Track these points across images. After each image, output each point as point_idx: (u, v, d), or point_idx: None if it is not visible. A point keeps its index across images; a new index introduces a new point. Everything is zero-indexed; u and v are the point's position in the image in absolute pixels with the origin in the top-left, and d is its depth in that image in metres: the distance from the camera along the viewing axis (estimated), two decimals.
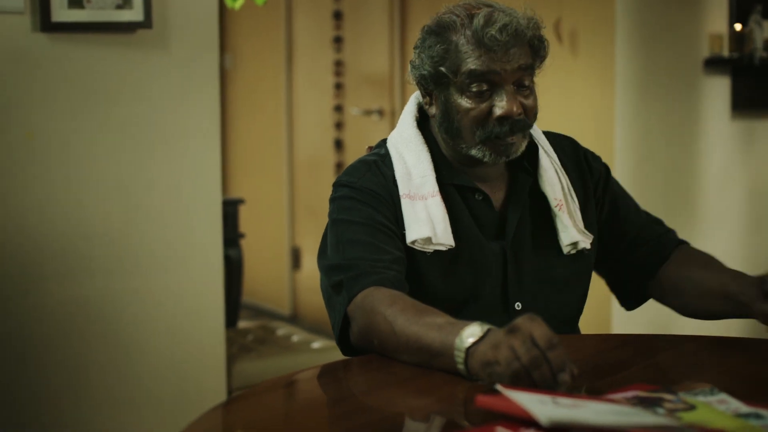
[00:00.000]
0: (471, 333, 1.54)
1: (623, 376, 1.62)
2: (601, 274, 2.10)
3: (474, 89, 1.84)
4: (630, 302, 2.09)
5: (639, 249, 2.03)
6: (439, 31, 1.87)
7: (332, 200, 1.93)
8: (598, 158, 2.08)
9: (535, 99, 1.89)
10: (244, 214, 5.02)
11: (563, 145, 2.05)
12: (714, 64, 4.30)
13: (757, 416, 1.38)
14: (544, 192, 1.95)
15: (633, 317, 3.80)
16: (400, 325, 1.66)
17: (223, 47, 6.23)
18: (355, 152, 5.42)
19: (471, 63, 1.83)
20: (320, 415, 1.53)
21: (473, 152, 1.88)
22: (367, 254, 1.81)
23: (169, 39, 3.19)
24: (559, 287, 1.96)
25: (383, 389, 1.61)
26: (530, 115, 1.88)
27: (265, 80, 6.19)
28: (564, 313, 1.98)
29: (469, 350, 1.53)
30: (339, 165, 5.64)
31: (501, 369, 1.46)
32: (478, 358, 1.51)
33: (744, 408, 1.41)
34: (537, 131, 2.00)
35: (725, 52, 4.30)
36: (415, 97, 2.01)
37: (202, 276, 3.30)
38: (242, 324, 4.75)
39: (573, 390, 1.48)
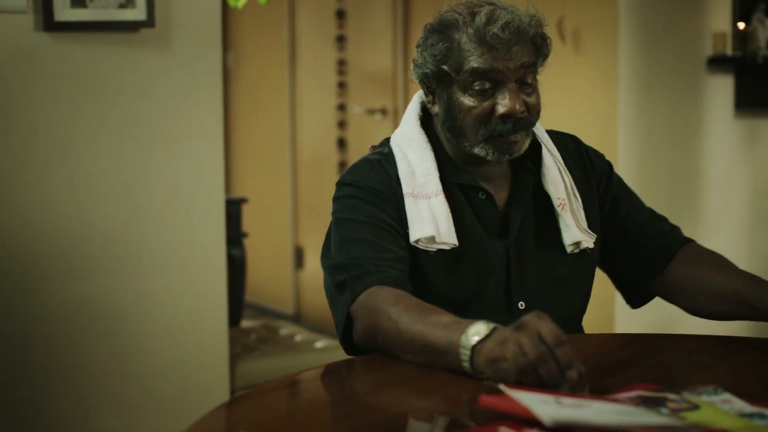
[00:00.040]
0: (476, 331, 1.54)
1: (626, 376, 1.62)
2: (605, 271, 2.09)
3: (477, 87, 1.84)
4: (635, 300, 2.08)
5: (643, 246, 2.02)
6: (442, 29, 1.87)
7: (336, 199, 1.92)
8: (601, 156, 2.08)
9: (538, 97, 1.89)
10: (247, 213, 5.03)
11: (566, 143, 2.05)
12: (717, 63, 4.29)
13: (762, 416, 1.37)
14: (547, 191, 1.95)
15: (636, 316, 3.80)
16: (405, 324, 1.66)
17: (225, 46, 6.23)
18: (358, 151, 5.42)
19: (473, 61, 1.83)
20: (324, 415, 1.53)
21: (476, 150, 1.88)
22: (371, 253, 1.81)
23: (171, 38, 3.19)
24: (562, 286, 1.95)
25: (387, 389, 1.61)
26: (533, 113, 1.88)
27: (268, 79, 6.19)
28: (567, 312, 1.98)
29: (475, 348, 1.53)
30: (342, 164, 5.63)
31: (507, 365, 1.46)
32: (485, 355, 1.51)
33: (748, 408, 1.41)
34: (540, 130, 2.00)
35: (728, 51, 4.29)
36: (418, 96, 2.01)
37: (205, 275, 3.30)
38: (245, 323, 4.75)
39: (577, 389, 1.47)
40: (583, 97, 4.20)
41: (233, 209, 4.25)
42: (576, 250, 1.95)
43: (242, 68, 6.42)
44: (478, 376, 1.54)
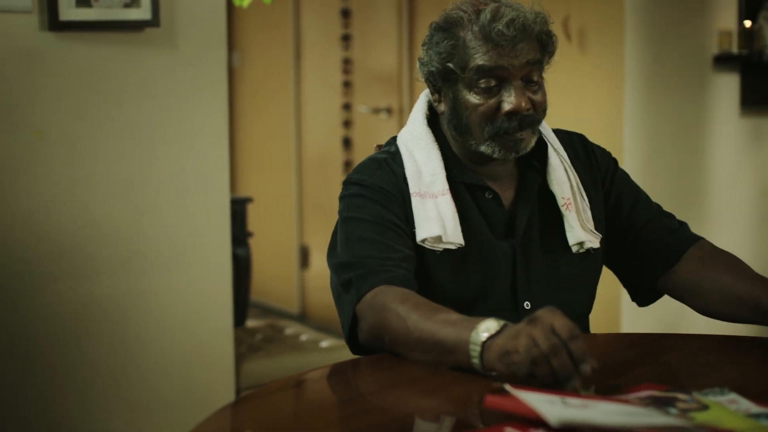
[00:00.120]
0: (487, 328, 1.54)
1: (633, 376, 1.61)
2: (611, 268, 2.07)
3: (482, 85, 1.84)
4: (641, 298, 2.06)
5: (648, 243, 2.00)
6: (447, 27, 1.86)
7: (342, 198, 1.92)
8: (607, 154, 2.07)
9: (544, 94, 1.88)
10: (253, 212, 5.03)
11: (573, 142, 2.04)
12: (723, 61, 4.29)
13: None
14: (552, 191, 1.95)
15: (642, 316, 3.80)
16: (413, 322, 1.66)
17: (231, 45, 6.23)
18: (364, 150, 5.42)
19: (479, 58, 1.82)
20: (330, 416, 1.53)
21: (482, 148, 1.88)
22: (377, 252, 1.81)
23: (176, 37, 3.19)
24: (568, 286, 1.95)
25: (393, 389, 1.61)
26: (539, 110, 1.87)
27: (274, 78, 6.19)
28: (573, 311, 1.96)
29: (485, 344, 1.53)
30: (347, 163, 5.63)
31: (519, 357, 1.46)
32: (496, 350, 1.51)
33: (755, 408, 1.40)
34: (546, 129, 1.99)
35: (734, 49, 4.28)
36: (425, 95, 2.00)
37: (211, 275, 3.30)
38: (250, 323, 4.75)
39: (584, 388, 1.47)
40: (589, 96, 4.19)
41: (238, 209, 4.25)
42: (581, 250, 1.94)
43: (247, 67, 6.42)
44: (487, 373, 1.54)
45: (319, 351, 3.87)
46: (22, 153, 3.03)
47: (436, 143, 1.93)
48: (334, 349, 3.88)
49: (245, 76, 6.44)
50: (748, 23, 4.28)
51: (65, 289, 3.10)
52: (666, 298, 2.04)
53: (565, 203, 1.94)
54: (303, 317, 6.04)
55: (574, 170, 1.97)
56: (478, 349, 1.54)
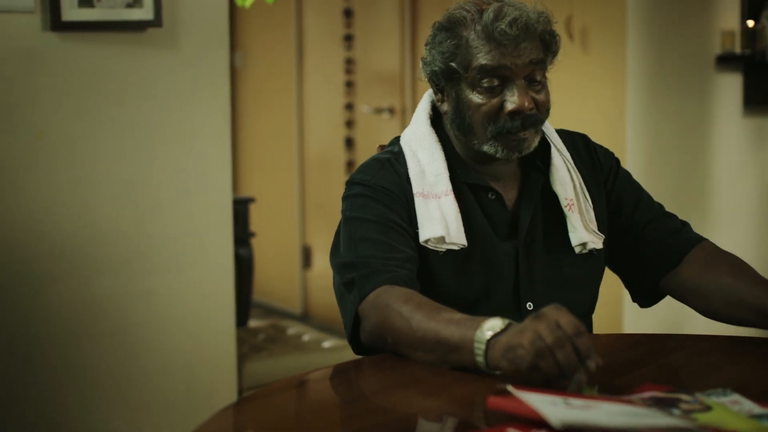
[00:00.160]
0: (492, 326, 1.55)
1: (636, 376, 1.61)
2: (612, 268, 2.07)
3: (485, 84, 1.84)
4: (642, 299, 2.06)
5: (649, 243, 1.99)
6: (450, 26, 1.86)
7: (345, 198, 1.92)
8: (609, 154, 2.07)
9: (548, 94, 1.88)
10: (255, 212, 5.02)
11: (576, 142, 2.04)
12: (726, 61, 4.28)
13: None
14: (555, 191, 1.94)
15: (645, 316, 3.79)
16: (417, 321, 1.66)
17: (233, 45, 6.23)
18: (366, 150, 5.42)
19: (481, 58, 1.82)
20: (332, 416, 1.53)
21: (485, 148, 1.87)
22: (380, 252, 1.81)
23: (179, 37, 3.19)
24: (570, 286, 1.95)
25: (395, 389, 1.61)
26: (542, 110, 1.87)
27: (276, 78, 6.19)
28: (575, 312, 1.95)
29: (490, 342, 1.53)
30: (350, 163, 5.63)
31: (524, 351, 1.46)
32: (500, 347, 1.51)
33: (757, 409, 1.40)
34: (550, 129, 1.99)
35: (737, 49, 4.28)
36: (428, 95, 2.00)
37: (213, 275, 3.30)
38: (253, 323, 4.75)
39: (588, 387, 1.47)
40: (591, 96, 4.19)
41: (241, 209, 4.25)
42: (583, 251, 1.94)
43: (249, 67, 6.43)
44: (491, 372, 1.54)
45: (321, 351, 3.87)
46: (23, 153, 3.03)
47: (439, 143, 1.93)
48: (336, 349, 3.88)
49: (247, 76, 6.44)
50: (751, 23, 4.28)
51: (66, 289, 3.10)
52: (668, 298, 2.04)
53: (568, 204, 1.93)
54: (305, 317, 6.04)
55: (577, 171, 1.97)
56: (483, 347, 1.54)
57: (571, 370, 1.44)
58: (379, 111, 5.43)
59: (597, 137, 2.13)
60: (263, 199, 5.73)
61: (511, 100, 1.83)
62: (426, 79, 1.94)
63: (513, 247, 1.91)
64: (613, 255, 2.03)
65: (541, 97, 1.86)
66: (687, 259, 1.96)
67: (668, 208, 2.07)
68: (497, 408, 1.35)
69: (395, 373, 1.66)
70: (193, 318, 3.28)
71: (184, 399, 3.28)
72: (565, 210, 1.93)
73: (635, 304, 2.09)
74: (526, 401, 1.33)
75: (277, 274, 6.22)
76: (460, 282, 1.88)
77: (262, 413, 1.48)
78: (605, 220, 2.00)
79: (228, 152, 3.30)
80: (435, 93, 1.95)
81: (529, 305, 1.91)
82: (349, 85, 5.64)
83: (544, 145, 1.96)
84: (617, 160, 2.07)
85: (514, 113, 1.84)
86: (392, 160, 1.94)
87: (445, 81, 1.89)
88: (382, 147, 2.06)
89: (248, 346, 3.88)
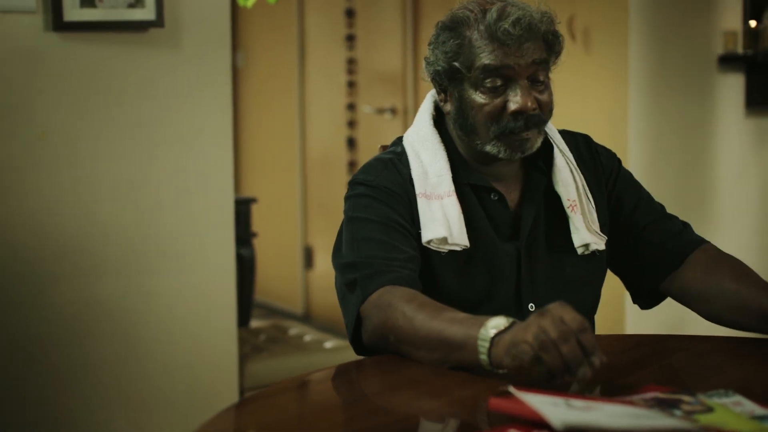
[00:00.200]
0: (496, 325, 1.55)
1: (638, 377, 1.61)
2: (613, 269, 2.07)
3: (488, 84, 1.84)
4: (642, 301, 2.05)
5: (649, 244, 1.99)
6: (453, 26, 1.86)
7: (348, 198, 1.92)
8: (611, 155, 2.07)
9: (551, 94, 1.88)
10: (257, 213, 5.02)
11: (578, 143, 2.04)
12: (728, 61, 4.28)
13: None
14: (558, 192, 1.94)
15: (646, 317, 3.79)
16: (420, 320, 1.65)
17: (235, 45, 6.23)
18: (368, 150, 5.42)
19: (485, 58, 1.82)
20: (334, 417, 1.52)
21: (488, 148, 1.87)
22: (382, 253, 1.80)
23: (181, 37, 3.19)
24: (572, 288, 1.94)
25: (397, 390, 1.61)
26: (545, 110, 1.87)
27: (278, 78, 6.19)
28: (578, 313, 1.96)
29: (493, 339, 1.53)
30: (352, 163, 5.63)
31: (527, 346, 1.46)
32: (504, 344, 1.51)
33: (759, 410, 1.40)
34: (552, 130, 1.99)
35: (739, 49, 4.28)
36: (431, 95, 2.00)
37: (214, 275, 3.30)
38: (254, 323, 4.75)
39: (588, 390, 1.47)
40: (593, 96, 4.19)
41: (242, 209, 4.25)
42: (586, 252, 1.94)
43: (251, 67, 6.43)
44: (494, 370, 1.54)
45: (323, 351, 3.87)
46: (24, 153, 3.03)
47: (442, 144, 1.93)
48: (338, 349, 3.88)
49: (249, 76, 6.44)
50: (753, 23, 4.27)
51: (68, 289, 3.10)
52: (669, 299, 2.03)
53: (571, 205, 1.93)
54: (307, 318, 6.03)
55: (579, 172, 1.97)
56: (487, 345, 1.54)
57: (575, 365, 1.44)
58: (381, 111, 5.43)
59: (599, 137, 2.12)
60: (265, 199, 5.73)
61: (514, 100, 1.83)
62: (429, 79, 1.94)
63: (515, 248, 1.91)
64: (614, 256, 2.03)
65: (544, 97, 1.86)
66: (688, 261, 1.96)
67: (670, 209, 2.07)
68: (499, 409, 1.35)
69: (397, 374, 1.66)
70: (195, 318, 3.28)
71: (186, 399, 3.28)
72: (568, 211, 1.93)
73: (637, 305, 2.09)
74: (528, 402, 1.32)
75: (278, 274, 6.22)
76: (462, 283, 1.88)
77: (264, 414, 1.48)
78: (607, 221, 2.00)
79: (230, 152, 3.30)
80: (438, 93, 1.94)
81: (531, 306, 1.90)
82: (351, 85, 5.64)
83: (547, 146, 1.96)
84: (619, 161, 2.07)
85: (517, 113, 1.83)
86: (395, 160, 1.93)
87: (448, 81, 1.89)
88: (384, 147, 2.06)
89: (250, 346, 3.88)
